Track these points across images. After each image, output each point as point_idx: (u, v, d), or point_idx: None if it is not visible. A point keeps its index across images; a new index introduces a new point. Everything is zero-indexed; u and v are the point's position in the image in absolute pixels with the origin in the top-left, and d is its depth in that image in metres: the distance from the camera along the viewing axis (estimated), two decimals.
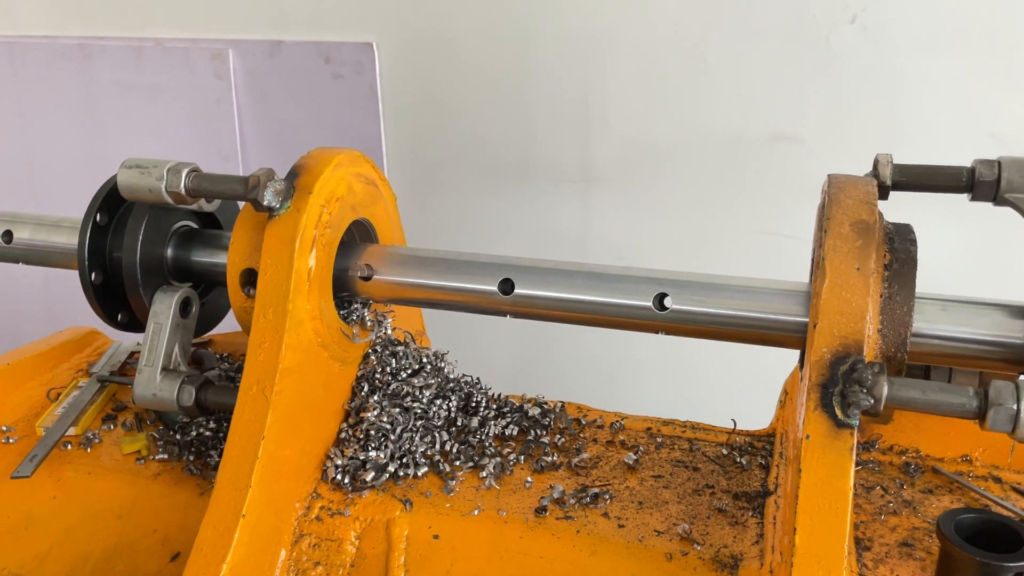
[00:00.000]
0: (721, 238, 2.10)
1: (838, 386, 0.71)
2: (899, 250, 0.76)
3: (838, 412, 0.70)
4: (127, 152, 1.10)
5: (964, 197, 0.84)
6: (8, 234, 1.08)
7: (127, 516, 0.95)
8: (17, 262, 1.11)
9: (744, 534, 0.86)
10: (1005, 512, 0.86)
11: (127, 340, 1.24)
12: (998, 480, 0.93)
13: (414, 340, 1.06)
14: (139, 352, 1.20)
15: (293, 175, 0.91)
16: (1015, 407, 0.67)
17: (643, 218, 2.20)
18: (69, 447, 1.03)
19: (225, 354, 1.17)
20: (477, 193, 2.38)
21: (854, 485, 0.79)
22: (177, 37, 2.47)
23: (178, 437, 1.02)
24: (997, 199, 0.80)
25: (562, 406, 1.07)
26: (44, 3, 2.57)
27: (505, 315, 0.93)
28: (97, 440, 1.04)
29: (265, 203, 0.88)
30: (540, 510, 0.89)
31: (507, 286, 0.91)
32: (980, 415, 0.68)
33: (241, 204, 0.97)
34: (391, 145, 2.39)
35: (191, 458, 1.00)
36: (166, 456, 1.00)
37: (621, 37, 2.11)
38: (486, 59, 2.25)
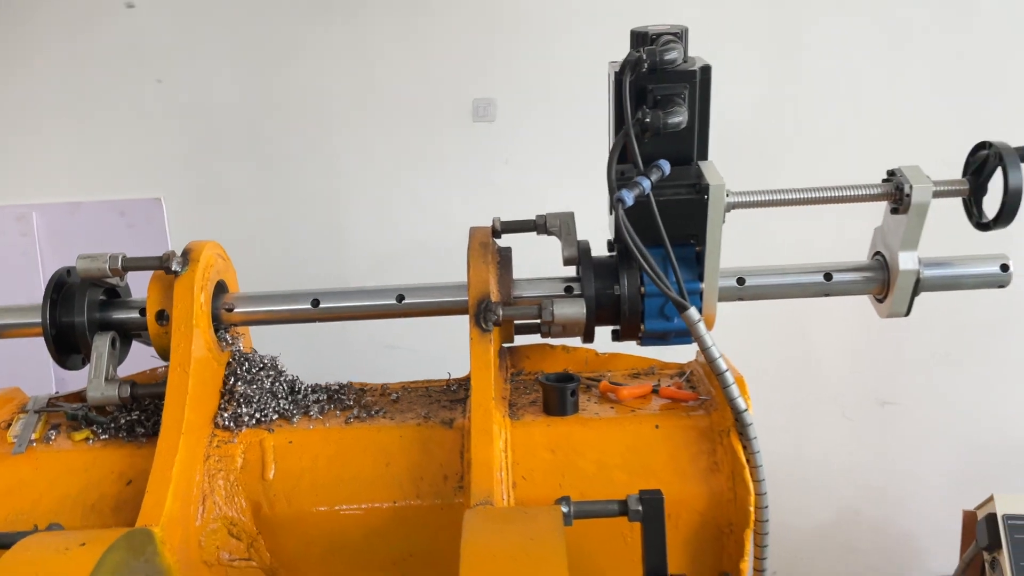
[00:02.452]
0: None
1: (481, 314, 1.55)
2: (503, 256, 1.64)
3: (483, 325, 1.54)
4: None
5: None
6: None
7: (92, 468, 1.54)
8: None
9: (456, 412, 1.64)
10: None
11: (41, 393, 1.80)
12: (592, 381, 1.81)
13: (257, 351, 1.76)
14: (54, 399, 1.78)
15: (186, 253, 1.62)
16: (551, 309, 1.54)
17: None
18: (35, 444, 1.59)
19: None
20: None
21: (503, 371, 1.62)
22: None
23: (112, 425, 1.62)
24: (548, 232, 1.71)
25: (349, 383, 1.81)
26: None
27: (315, 321, 1.69)
28: (52, 439, 1.61)
29: (174, 268, 1.58)
30: (347, 420, 1.63)
31: (315, 303, 1.67)
32: (540, 316, 1.55)
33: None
34: None
35: (124, 435, 1.61)
36: (107, 436, 1.60)
37: (357, 178, 2.99)
38: (255, 203, 3.01)
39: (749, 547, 1.43)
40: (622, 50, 1.53)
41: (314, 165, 2.99)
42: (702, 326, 1.42)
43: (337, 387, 1.78)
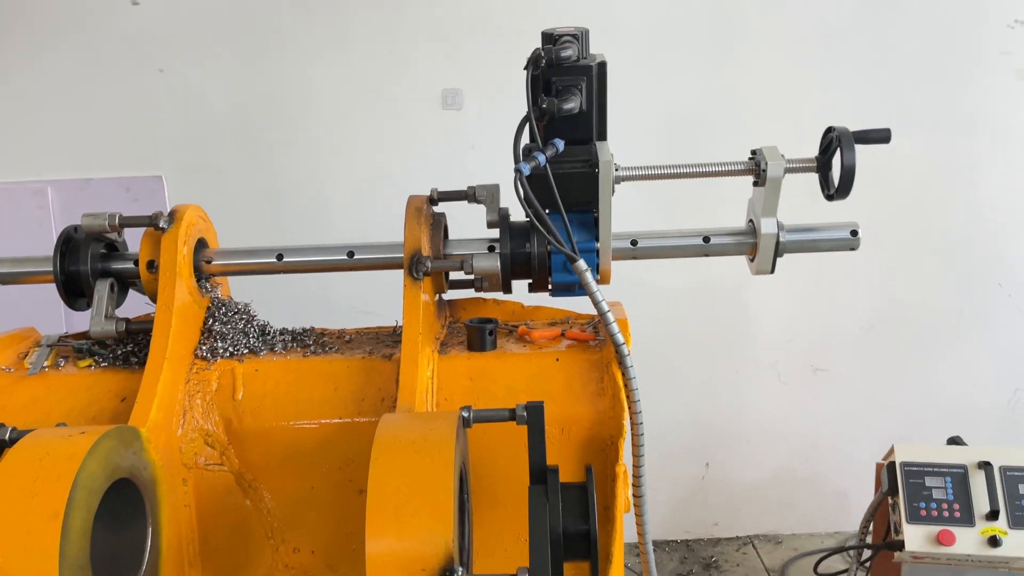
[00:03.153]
0: None
1: (413, 266, 1.87)
2: (436, 219, 1.96)
3: (414, 274, 1.87)
4: None
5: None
6: None
7: (93, 388, 1.87)
8: None
9: (396, 349, 1.97)
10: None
11: (53, 332, 2.14)
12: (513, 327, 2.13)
13: (233, 298, 2.09)
14: (64, 337, 2.12)
15: (172, 213, 1.95)
16: (472, 263, 1.86)
17: None
18: (47, 369, 1.93)
19: None
20: None
21: (432, 311, 1.94)
22: (3, 181, 3.31)
23: (110, 355, 1.96)
24: (477, 200, 2.02)
25: (312, 327, 2.14)
26: None
27: (280, 272, 2.02)
28: (61, 366, 1.95)
29: (161, 225, 1.91)
30: (305, 354, 1.96)
31: (280, 257, 2.00)
32: (463, 268, 1.87)
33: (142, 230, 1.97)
34: None
35: (120, 363, 1.94)
36: (106, 364, 1.94)
37: (337, 159, 3.31)
38: (246, 180, 3.35)
39: (622, 453, 1.75)
40: None
41: (298, 147, 3.32)
42: (588, 275, 1.74)
43: (301, 331, 2.11)
